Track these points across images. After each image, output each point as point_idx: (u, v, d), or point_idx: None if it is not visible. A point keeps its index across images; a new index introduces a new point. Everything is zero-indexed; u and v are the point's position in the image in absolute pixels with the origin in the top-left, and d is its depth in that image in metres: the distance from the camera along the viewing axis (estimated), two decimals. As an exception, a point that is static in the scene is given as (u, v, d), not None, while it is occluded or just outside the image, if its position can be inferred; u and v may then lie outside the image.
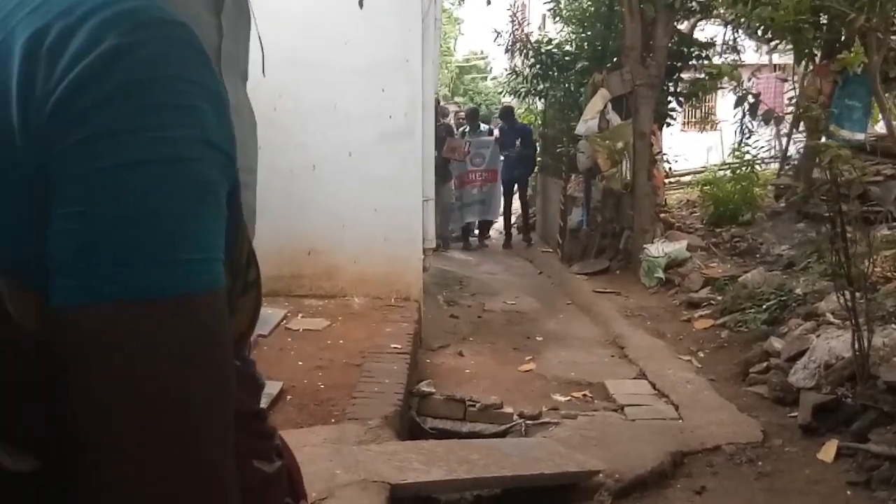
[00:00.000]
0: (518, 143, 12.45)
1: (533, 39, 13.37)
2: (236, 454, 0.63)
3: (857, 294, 4.66)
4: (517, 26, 13.73)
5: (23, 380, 0.60)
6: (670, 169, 12.19)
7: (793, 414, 4.74)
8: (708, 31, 12.27)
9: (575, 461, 4.05)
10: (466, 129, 12.91)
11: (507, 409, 4.85)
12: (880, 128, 9.44)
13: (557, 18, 13.32)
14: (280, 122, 6.09)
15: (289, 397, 4.44)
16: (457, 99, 24.63)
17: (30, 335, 0.59)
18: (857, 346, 4.54)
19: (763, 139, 12.13)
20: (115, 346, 0.56)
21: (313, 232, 6.39)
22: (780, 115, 8.06)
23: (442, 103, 12.66)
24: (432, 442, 4.30)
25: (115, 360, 0.56)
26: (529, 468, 3.91)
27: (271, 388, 4.26)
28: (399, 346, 5.30)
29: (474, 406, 4.84)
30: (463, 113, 15.15)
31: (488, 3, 8.37)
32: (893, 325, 5.05)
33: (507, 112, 13.40)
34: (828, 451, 4.22)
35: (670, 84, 11.02)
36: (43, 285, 0.57)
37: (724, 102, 14.47)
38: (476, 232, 13.13)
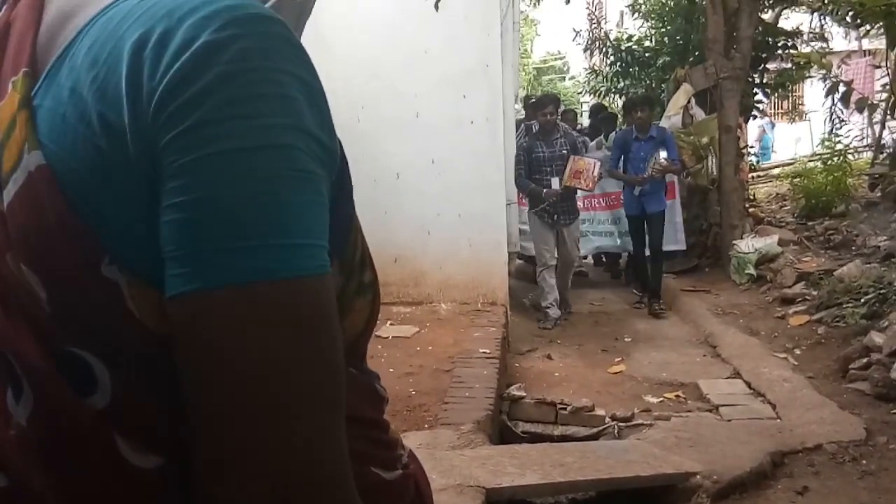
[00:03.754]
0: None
1: (612, 37, 13.24)
2: (355, 457, 0.64)
3: (963, 285, 4.48)
4: (595, 24, 13.63)
5: (145, 378, 0.64)
6: (757, 162, 11.90)
7: (896, 411, 4.58)
8: (793, 19, 11.96)
9: (670, 463, 4.00)
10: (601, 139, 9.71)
11: (599, 412, 4.82)
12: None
13: (636, 14, 13.18)
14: (363, 133, 6.21)
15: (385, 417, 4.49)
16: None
17: (151, 332, 0.62)
18: (964, 339, 4.36)
19: (855, 128, 11.74)
20: (226, 330, 0.58)
21: (398, 239, 6.47)
22: (873, 102, 7.77)
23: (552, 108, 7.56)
24: (525, 445, 4.31)
25: (227, 344, 0.58)
26: (624, 470, 3.87)
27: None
28: (488, 351, 5.32)
29: (565, 409, 4.81)
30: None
31: (567, 1, 8.30)
32: None
33: (599, 109, 11.24)
34: (936, 448, 4.07)
35: (756, 76, 10.77)
36: (162, 281, 0.60)
37: (812, 92, 14.06)
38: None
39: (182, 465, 0.62)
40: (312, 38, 0.71)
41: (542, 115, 7.19)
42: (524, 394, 4.98)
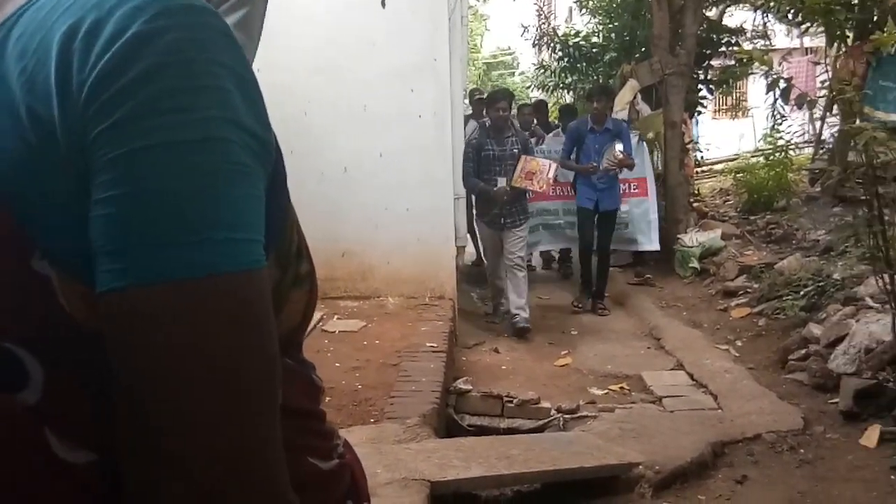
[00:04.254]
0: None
1: (560, 33, 13.34)
2: (291, 448, 0.64)
3: (896, 277, 4.61)
4: (544, 20, 13.73)
5: (78, 373, 0.62)
6: (702, 157, 12.09)
7: (833, 400, 4.70)
8: (737, 16, 12.17)
9: (614, 454, 4.05)
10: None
11: (545, 404, 4.86)
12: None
13: (584, 10, 13.30)
14: (311, 127, 6.17)
15: (327, 399, 4.48)
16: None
17: (83, 328, 0.61)
18: (897, 330, 4.48)
19: (796, 124, 11.99)
20: (157, 326, 0.57)
21: (346, 233, 6.44)
22: (814, 98, 7.92)
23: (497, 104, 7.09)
24: (471, 439, 4.33)
25: (158, 341, 0.57)
26: (569, 462, 3.91)
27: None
28: (435, 345, 5.33)
29: (512, 402, 4.84)
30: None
31: (514, -3, 8.35)
32: (935, 308, 4.98)
33: (569, 111, 10.38)
34: (870, 436, 4.18)
35: (700, 72, 10.94)
36: (92, 277, 0.59)
37: (754, 89, 14.31)
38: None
39: (115, 461, 0.61)
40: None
41: (494, 110, 6.77)
42: (471, 387, 5.00)
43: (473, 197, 7.28)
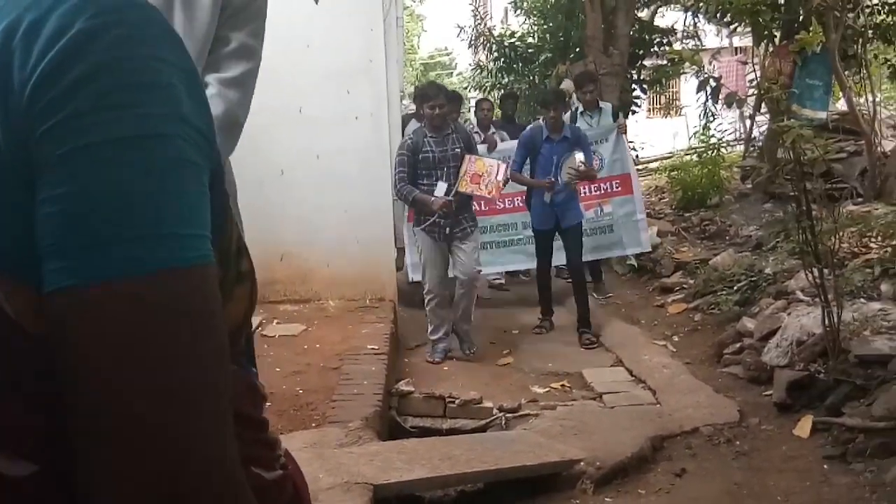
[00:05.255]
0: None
1: (496, 33, 13.41)
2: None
3: (825, 271, 4.74)
4: (479, 20, 13.78)
5: (21, 382, 0.60)
6: (637, 156, 12.28)
7: (768, 392, 4.81)
8: (668, 17, 12.41)
9: (556, 451, 4.09)
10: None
11: (487, 404, 4.88)
12: (842, 105, 9.60)
13: (519, 11, 13.39)
14: (245, 130, 6.04)
15: (268, 404, 4.40)
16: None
17: (28, 334, 0.59)
18: (827, 322, 4.60)
19: (726, 122, 12.26)
20: (103, 325, 0.56)
21: (285, 237, 6.37)
22: (743, 97, 8.12)
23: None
24: (413, 440, 4.32)
25: (104, 341, 0.56)
26: (511, 461, 3.94)
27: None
28: (376, 347, 5.31)
29: (454, 402, 4.86)
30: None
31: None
32: (862, 300, 5.14)
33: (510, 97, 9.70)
34: (803, 426, 4.29)
35: (633, 72, 11.11)
36: (39, 280, 0.57)
37: (687, 88, 14.59)
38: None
39: (59, 472, 0.59)
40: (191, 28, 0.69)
41: (429, 107, 5.80)
42: (413, 388, 5.00)
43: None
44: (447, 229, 5.80)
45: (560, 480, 3.93)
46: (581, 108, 7.47)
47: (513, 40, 12.89)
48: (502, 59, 12.69)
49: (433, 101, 5.80)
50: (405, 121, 8.11)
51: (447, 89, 6.70)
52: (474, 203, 6.17)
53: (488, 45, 12.99)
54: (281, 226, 6.34)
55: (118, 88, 0.58)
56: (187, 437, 0.58)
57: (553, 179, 6.35)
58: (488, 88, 13.37)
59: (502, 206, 6.04)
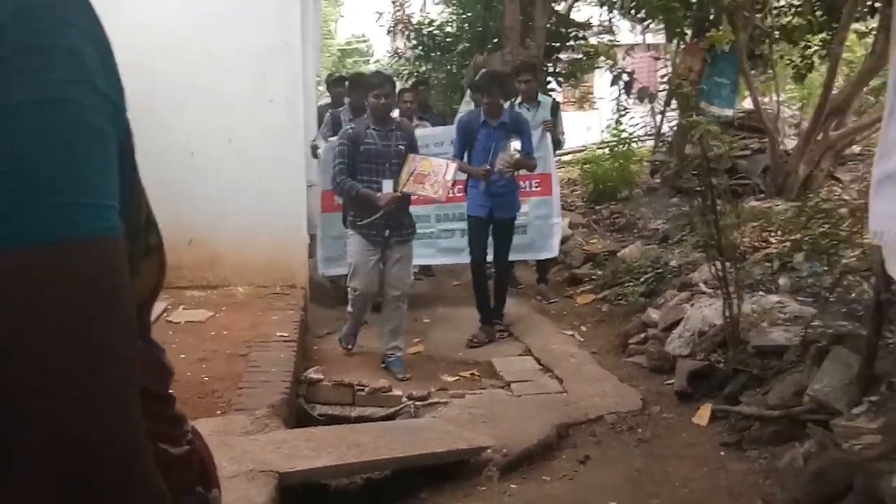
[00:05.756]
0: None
1: (414, 21, 13.37)
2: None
3: (727, 264, 4.89)
4: (398, 8, 13.71)
5: None
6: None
7: (670, 381, 4.95)
8: (584, 11, 12.58)
9: (464, 439, 4.12)
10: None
11: (396, 392, 4.88)
12: (747, 103, 9.89)
13: (438, 0, 13.38)
14: (154, 108, 5.87)
15: (171, 391, 4.33)
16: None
17: None
18: (727, 313, 4.76)
19: (638, 117, 12.51)
20: (8, 294, 0.55)
21: (193, 221, 6.22)
22: (654, 92, 8.31)
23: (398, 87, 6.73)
24: (321, 428, 4.29)
25: (10, 308, 0.55)
26: (419, 448, 3.95)
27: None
28: (286, 334, 5.25)
29: (363, 390, 4.84)
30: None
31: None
32: (761, 293, 5.32)
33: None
34: (702, 414, 4.43)
35: (550, 64, 11.23)
36: None
37: (601, 82, 14.82)
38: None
39: None
40: (100, 1, 0.66)
41: (374, 96, 5.37)
42: (322, 376, 4.97)
43: (341, 200, 6.10)
44: (387, 231, 5.36)
45: (467, 468, 3.96)
46: (518, 100, 7.04)
47: (431, 29, 12.87)
48: (420, 48, 12.67)
49: (378, 89, 5.39)
50: (321, 112, 7.78)
51: (393, 78, 6.32)
52: None
53: (407, 32, 12.94)
54: (189, 209, 6.18)
55: (26, 51, 0.56)
56: (97, 390, 0.58)
57: (489, 167, 5.99)
58: (406, 76, 13.33)
59: (415, 196, 5.66)
